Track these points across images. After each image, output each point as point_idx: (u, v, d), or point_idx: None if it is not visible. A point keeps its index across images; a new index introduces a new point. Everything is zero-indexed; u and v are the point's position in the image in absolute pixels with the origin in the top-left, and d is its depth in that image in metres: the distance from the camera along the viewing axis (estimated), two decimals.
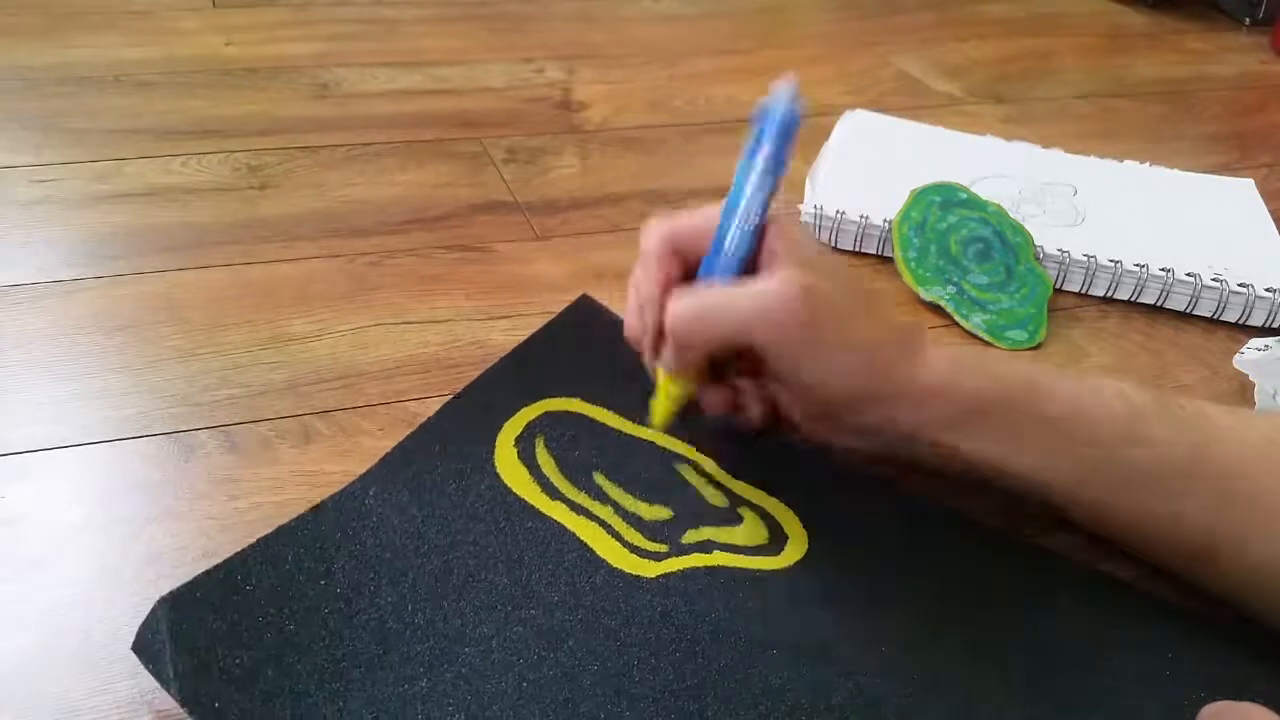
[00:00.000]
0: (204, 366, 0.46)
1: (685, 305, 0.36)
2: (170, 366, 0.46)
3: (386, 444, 0.42)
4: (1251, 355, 0.51)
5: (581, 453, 0.41)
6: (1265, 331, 0.55)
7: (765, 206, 0.37)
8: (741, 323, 0.36)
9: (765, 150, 0.37)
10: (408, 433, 0.43)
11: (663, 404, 0.40)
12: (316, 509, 0.37)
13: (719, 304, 0.36)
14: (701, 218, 0.39)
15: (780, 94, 0.37)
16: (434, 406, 0.44)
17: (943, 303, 0.55)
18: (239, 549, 0.37)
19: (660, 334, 0.38)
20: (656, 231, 0.39)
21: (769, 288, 0.35)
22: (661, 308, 0.38)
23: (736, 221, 0.37)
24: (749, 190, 0.37)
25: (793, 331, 0.35)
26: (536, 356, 0.46)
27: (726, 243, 0.37)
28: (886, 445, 0.40)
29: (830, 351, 0.36)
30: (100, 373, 0.45)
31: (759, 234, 0.37)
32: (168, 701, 0.32)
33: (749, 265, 0.38)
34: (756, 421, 0.41)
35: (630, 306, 0.40)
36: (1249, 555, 0.36)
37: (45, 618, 0.34)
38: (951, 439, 0.38)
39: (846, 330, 0.36)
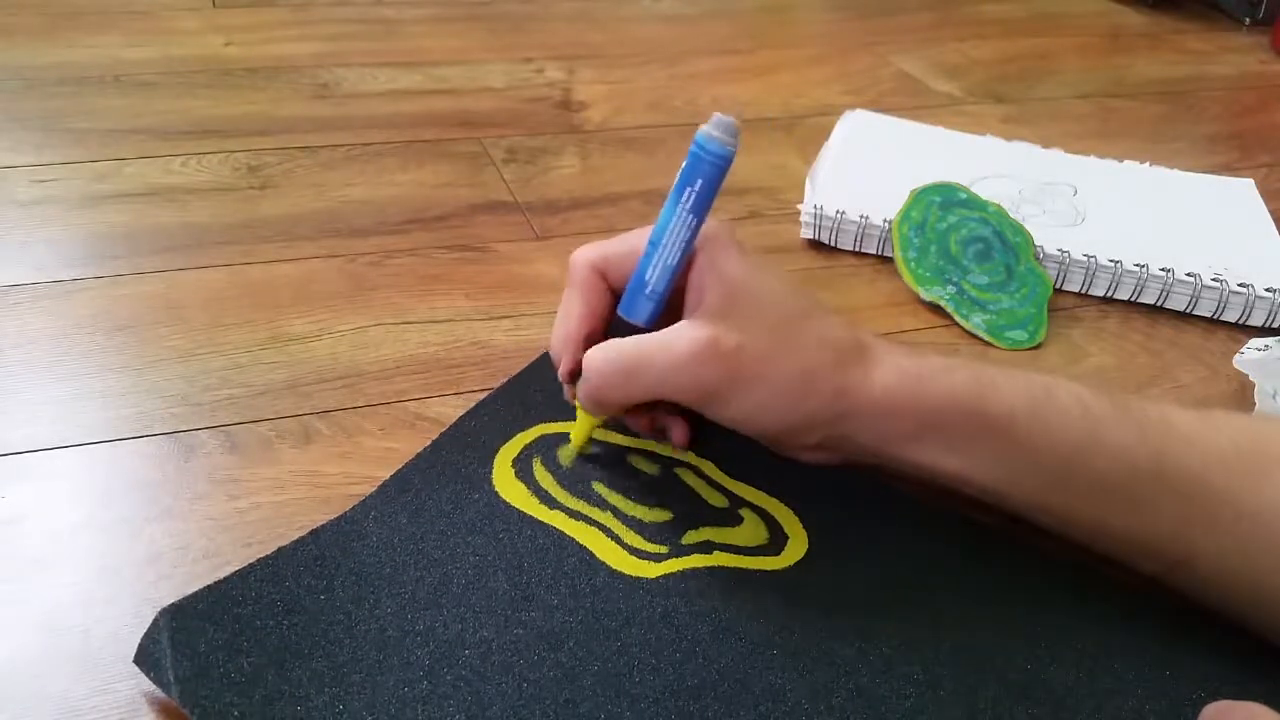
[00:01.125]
0: (204, 366, 0.46)
1: (600, 364, 0.37)
2: (170, 366, 0.46)
3: (387, 444, 0.42)
4: (1252, 355, 0.51)
5: (579, 466, 0.41)
6: (1265, 331, 0.55)
7: (689, 245, 0.37)
8: (656, 383, 0.36)
9: (695, 187, 0.36)
10: (409, 433, 0.43)
11: (580, 432, 0.41)
12: (316, 532, 0.37)
13: (633, 364, 0.36)
14: (630, 243, 0.38)
15: (718, 128, 0.36)
16: (434, 407, 0.45)
17: (943, 303, 0.55)
18: (239, 549, 0.37)
19: (577, 370, 0.38)
20: (585, 258, 0.39)
21: (679, 347, 0.35)
22: (579, 346, 0.38)
23: (658, 256, 0.37)
24: (673, 227, 0.37)
25: (708, 386, 0.36)
26: (531, 384, 0.46)
27: (647, 276, 0.38)
28: (848, 459, 0.39)
29: (754, 394, 0.36)
30: (100, 373, 0.45)
31: (684, 266, 0.37)
32: (168, 702, 0.32)
33: (675, 297, 0.38)
34: (679, 442, 0.41)
35: (556, 327, 0.40)
36: (1224, 564, 0.35)
37: (45, 618, 0.34)
38: (909, 453, 0.37)
39: (769, 370, 0.36)
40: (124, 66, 0.74)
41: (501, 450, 0.42)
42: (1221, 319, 0.56)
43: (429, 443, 0.42)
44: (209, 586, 0.34)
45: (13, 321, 0.48)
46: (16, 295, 0.50)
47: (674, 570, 0.37)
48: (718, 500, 0.41)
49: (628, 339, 0.37)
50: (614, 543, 0.38)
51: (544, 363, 0.47)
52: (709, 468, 0.42)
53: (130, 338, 0.47)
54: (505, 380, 0.46)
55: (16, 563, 0.36)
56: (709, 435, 0.44)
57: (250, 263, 0.54)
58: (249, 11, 0.85)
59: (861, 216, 0.59)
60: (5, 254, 0.53)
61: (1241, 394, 0.51)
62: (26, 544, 0.37)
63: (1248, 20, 1.03)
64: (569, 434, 0.42)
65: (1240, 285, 0.55)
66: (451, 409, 0.44)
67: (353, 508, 0.38)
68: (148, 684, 0.32)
